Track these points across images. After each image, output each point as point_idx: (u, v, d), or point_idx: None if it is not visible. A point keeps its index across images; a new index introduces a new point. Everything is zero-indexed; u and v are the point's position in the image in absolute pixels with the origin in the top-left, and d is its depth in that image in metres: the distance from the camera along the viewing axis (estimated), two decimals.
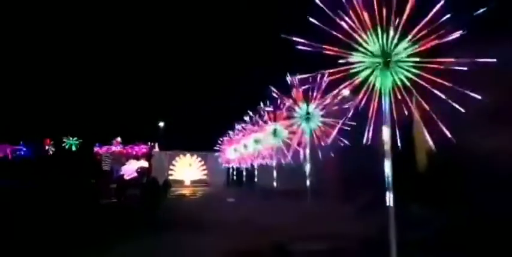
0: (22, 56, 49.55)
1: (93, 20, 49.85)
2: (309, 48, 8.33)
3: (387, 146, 8.03)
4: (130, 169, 40.46)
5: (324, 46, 8.14)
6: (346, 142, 14.73)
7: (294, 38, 8.39)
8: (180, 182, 48.07)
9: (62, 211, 18.44)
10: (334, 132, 11.52)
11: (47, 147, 52.71)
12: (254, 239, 11.72)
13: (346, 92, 9.89)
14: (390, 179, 7.91)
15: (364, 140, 8.71)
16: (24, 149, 51.57)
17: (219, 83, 48.33)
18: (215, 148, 41.06)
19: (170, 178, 46.33)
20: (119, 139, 51.81)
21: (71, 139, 54.15)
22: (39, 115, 47.62)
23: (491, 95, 7.48)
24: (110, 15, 49.58)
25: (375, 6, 7.75)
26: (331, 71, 8.56)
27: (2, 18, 45.76)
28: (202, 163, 50.58)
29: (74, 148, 53.73)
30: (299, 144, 18.02)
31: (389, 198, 7.79)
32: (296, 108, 16.26)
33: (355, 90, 8.69)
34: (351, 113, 9.38)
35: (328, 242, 10.76)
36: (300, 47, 8.51)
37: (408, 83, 7.91)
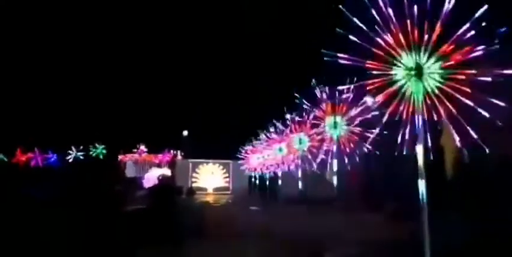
0: (49, 66, 51.33)
1: (122, 30, 51.44)
2: (350, 63, 8.90)
3: (420, 157, 8.35)
4: (152, 177, 41.30)
5: (366, 61, 8.71)
6: (371, 148, 14.92)
7: (339, 54, 8.96)
8: (203, 190, 48.75)
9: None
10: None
11: (73, 155, 54.15)
12: (282, 250, 12.01)
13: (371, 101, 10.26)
14: (424, 192, 8.25)
15: (400, 150, 9.00)
16: (54, 157, 53.19)
17: (242, 92, 49.04)
18: (238, 156, 41.51)
19: (193, 185, 47.17)
20: (143, 147, 53.02)
21: (97, 146, 55.47)
22: (66, 123, 49.07)
23: None
24: (139, 25, 51.16)
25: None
26: (369, 81, 9.05)
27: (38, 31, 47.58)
28: (225, 171, 51.19)
29: (101, 156, 55.01)
30: (325, 152, 18.29)
31: (424, 211, 8.14)
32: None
33: (387, 101, 9.05)
34: (384, 121, 9.63)
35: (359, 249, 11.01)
36: (341, 61, 9.09)
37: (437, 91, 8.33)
